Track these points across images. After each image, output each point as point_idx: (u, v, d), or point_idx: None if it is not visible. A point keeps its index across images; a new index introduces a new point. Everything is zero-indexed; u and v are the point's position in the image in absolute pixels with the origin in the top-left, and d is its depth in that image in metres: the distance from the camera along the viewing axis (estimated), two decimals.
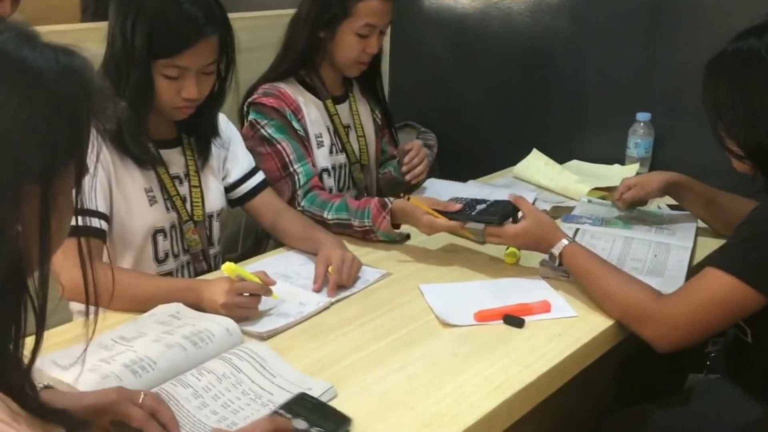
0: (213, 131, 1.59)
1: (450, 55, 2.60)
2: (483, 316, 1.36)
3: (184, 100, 1.44)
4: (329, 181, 1.92)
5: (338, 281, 1.45)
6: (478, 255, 1.66)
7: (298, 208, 1.76)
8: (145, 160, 1.47)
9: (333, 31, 1.83)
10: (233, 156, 1.67)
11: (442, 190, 1.96)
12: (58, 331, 1.29)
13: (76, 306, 1.50)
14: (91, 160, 0.77)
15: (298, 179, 1.78)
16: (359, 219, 1.71)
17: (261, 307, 1.34)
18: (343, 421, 1.03)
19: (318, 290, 1.45)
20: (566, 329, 1.34)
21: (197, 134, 1.57)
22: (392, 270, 1.56)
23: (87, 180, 0.77)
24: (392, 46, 2.61)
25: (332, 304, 1.41)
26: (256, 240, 1.99)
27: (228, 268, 1.29)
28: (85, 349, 0.87)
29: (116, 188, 1.44)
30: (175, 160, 1.55)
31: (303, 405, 1.04)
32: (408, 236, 1.74)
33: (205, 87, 1.46)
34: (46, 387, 1.01)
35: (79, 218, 0.79)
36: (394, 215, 1.67)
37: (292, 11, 1.95)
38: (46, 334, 1.18)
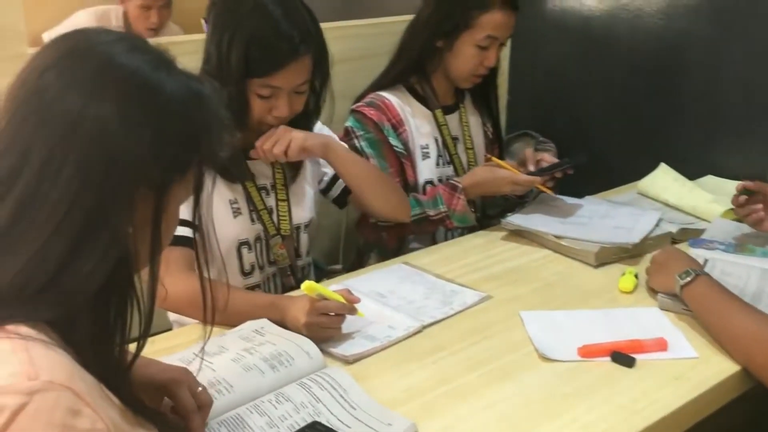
0: None
1: (573, 60, 2.44)
2: (588, 352, 1.23)
3: (275, 118, 1.42)
4: None
5: None
6: (589, 280, 1.52)
7: (372, 221, 1.78)
8: (238, 176, 1.45)
9: (452, 41, 1.77)
10: None
11: (554, 207, 1.83)
12: (157, 339, 1.29)
13: (173, 315, 1.51)
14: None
15: None
16: (434, 208, 1.75)
17: (348, 327, 1.28)
18: None
19: None
20: (685, 372, 1.19)
21: None
22: (493, 293, 1.46)
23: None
24: (512, 51, 2.49)
25: (424, 328, 1.33)
26: (357, 253, 1.95)
27: (308, 287, 1.24)
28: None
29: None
30: (262, 170, 1.52)
31: None
32: (477, 223, 1.80)
33: (296, 105, 1.44)
34: None
35: (191, 231, 0.86)
36: (467, 192, 1.73)
37: (409, 17, 1.90)
38: (149, 340, 1.21)
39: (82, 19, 2.90)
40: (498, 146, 2.06)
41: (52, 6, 2.99)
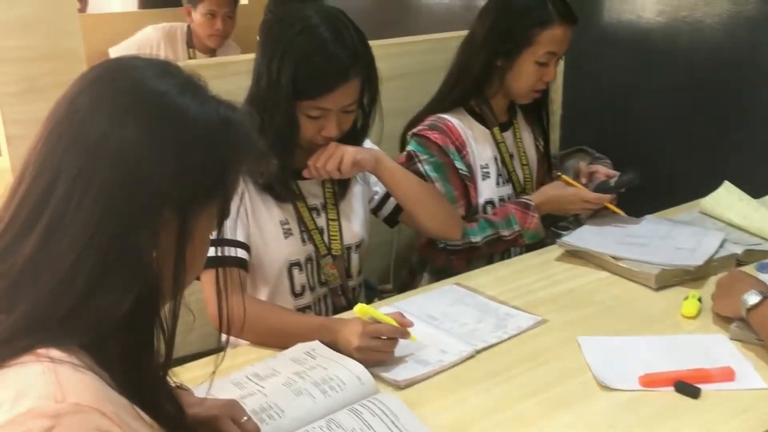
0: None
1: (630, 74, 2.38)
2: (650, 381, 1.18)
3: (324, 137, 1.41)
4: None
5: None
6: (650, 304, 1.46)
7: (440, 245, 1.76)
8: (288, 197, 1.45)
9: (512, 60, 1.75)
10: None
11: (612, 226, 1.78)
12: (205, 362, 1.28)
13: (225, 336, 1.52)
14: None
15: None
16: (508, 228, 1.75)
17: (400, 351, 1.26)
18: None
19: None
20: (754, 405, 1.13)
21: None
22: (549, 316, 1.42)
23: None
24: (566, 64, 2.44)
25: (477, 352, 1.30)
26: (410, 272, 1.93)
27: (360, 309, 1.23)
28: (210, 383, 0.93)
29: (252, 220, 1.43)
30: (313, 190, 1.51)
31: None
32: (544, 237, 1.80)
33: (345, 124, 1.43)
34: (180, 387, 1.02)
35: (219, 249, 0.86)
36: (538, 209, 1.75)
37: (457, 34, 1.88)
38: (194, 364, 1.22)
39: (150, 34, 3.01)
40: (547, 162, 2.02)
41: (113, 26, 3.08)
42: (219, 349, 1.43)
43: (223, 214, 0.82)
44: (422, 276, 1.88)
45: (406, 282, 1.93)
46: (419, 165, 1.74)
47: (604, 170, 1.86)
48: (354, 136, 1.48)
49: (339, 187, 1.54)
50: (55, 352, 0.69)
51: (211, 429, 0.98)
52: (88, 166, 0.71)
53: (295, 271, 1.48)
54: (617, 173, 1.85)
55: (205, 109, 0.77)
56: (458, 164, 1.76)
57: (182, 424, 0.84)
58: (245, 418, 1.01)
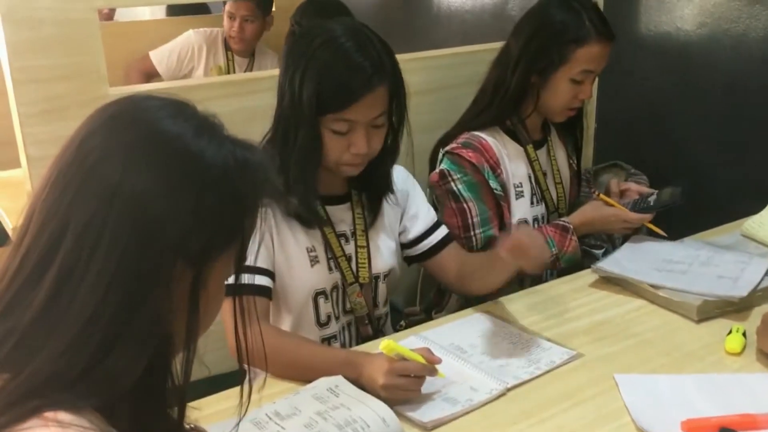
0: (386, 187, 1.47)
1: (668, 88, 2.30)
2: (693, 427, 1.11)
3: (353, 155, 1.34)
4: None
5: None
6: (691, 338, 1.39)
7: None
8: (313, 221, 1.40)
9: (546, 77, 1.69)
10: (413, 211, 1.55)
11: (650, 250, 1.70)
12: (220, 398, 1.24)
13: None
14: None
15: (476, 243, 1.67)
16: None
17: (427, 388, 1.21)
18: None
19: None
20: None
21: (368, 190, 1.47)
22: (583, 349, 1.35)
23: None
24: (601, 78, 2.36)
25: (508, 390, 1.24)
26: (438, 292, 1.87)
27: (387, 346, 1.17)
28: (237, 424, 0.88)
29: (278, 247, 1.38)
30: (342, 217, 1.45)
31: None
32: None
33: (375, 141, 1.36)
34: (194, 429, 0.98)
35: (237, 276, 0.80)
36: (577, 231, 1.71)
37: (487, 46, 1.82)
38: (210, 399, 1.17)
39: (191, 38, 3.03)
40: (578, 180, 1.96)
41: (143, 34, 3.08)
42: (234, 375, 1.39)
43: (241, 259, 0.78)
44: (451, 296, 1.83)
45: (433, 302, 1.87)
46: (452, 184, 1.69)
47: (636, 188, 1.80)
48: (383, 156, 1.41)
49: (369, 214, 1.48)
50: (63, 415, 0.64)
51: None
52: (99, 215, 0.67)
53: (321, 301, 1.43)
54: (651, 190, 1.78)
55: (222, 152, 0.73)
56: (492, 183, 1.70)
57: None
58: None
